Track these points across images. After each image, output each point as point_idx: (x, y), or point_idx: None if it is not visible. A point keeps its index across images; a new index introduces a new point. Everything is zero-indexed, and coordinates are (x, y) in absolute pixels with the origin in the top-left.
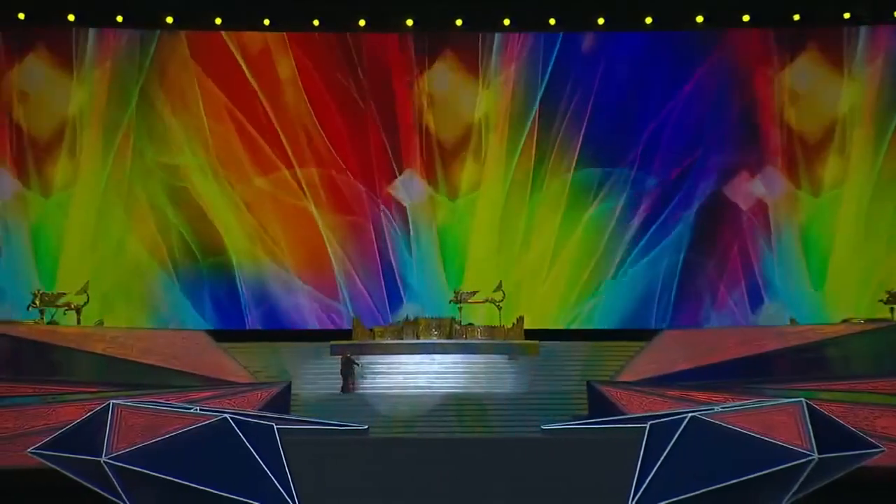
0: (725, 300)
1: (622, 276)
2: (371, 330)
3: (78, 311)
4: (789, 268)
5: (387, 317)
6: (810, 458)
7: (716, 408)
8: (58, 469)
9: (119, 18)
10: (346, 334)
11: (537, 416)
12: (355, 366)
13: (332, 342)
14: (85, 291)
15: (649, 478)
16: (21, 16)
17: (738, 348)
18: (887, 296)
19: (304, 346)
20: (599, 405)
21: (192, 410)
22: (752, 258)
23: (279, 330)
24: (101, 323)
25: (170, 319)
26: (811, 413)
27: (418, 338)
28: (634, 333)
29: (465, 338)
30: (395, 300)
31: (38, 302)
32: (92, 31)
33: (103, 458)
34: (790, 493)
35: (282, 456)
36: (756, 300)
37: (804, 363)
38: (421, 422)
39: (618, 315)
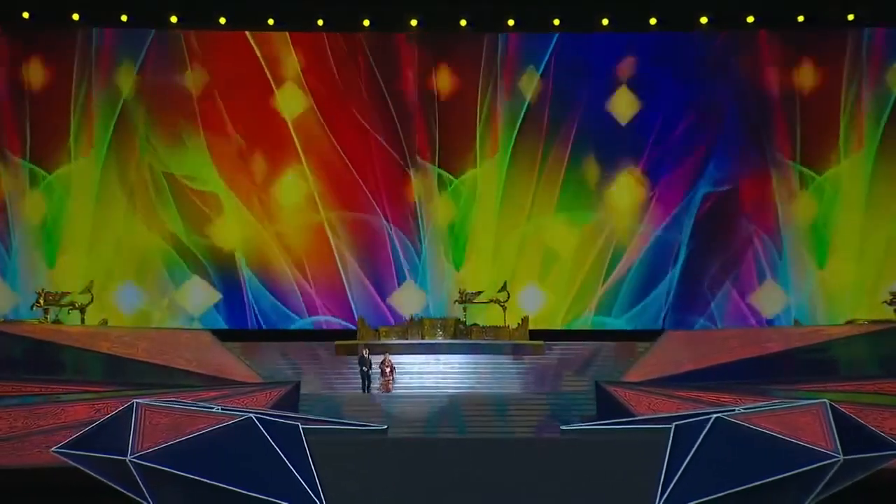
0: (729, 300)
1: (627, 276)
2: (376, 330)
3: (82, 310)
4: (793, 268)
5: (392, 317)
6: (835, 459)
7: (737, 408)
8: (80, 468)
9: (123, 18)
10: (352, 334)
11: (545, 416)
12: (366, 368)
13: (337, 342)
14: (89, 291)
15: (675, 479)
16: (25, 15)
17: (742, 349)
18: (891, 297)
19: (309, 346)
20: (608, 405)
21: (214, 410)
22: (756, 258)
23: (283, 330)
24: (105, 322)
25: (175, 318)
26: (834, 414)
27: (423, 338)
28: (639, 334)
29: (471, 338)
30: (399, 299)
31: (42, 301)
32: (96, 31)
33: (129, 458)
34: (813, 495)
35: (308, 455)
36: (760, 300)
37: (809, 364)
38: (429, 422)
39: (622, 315)
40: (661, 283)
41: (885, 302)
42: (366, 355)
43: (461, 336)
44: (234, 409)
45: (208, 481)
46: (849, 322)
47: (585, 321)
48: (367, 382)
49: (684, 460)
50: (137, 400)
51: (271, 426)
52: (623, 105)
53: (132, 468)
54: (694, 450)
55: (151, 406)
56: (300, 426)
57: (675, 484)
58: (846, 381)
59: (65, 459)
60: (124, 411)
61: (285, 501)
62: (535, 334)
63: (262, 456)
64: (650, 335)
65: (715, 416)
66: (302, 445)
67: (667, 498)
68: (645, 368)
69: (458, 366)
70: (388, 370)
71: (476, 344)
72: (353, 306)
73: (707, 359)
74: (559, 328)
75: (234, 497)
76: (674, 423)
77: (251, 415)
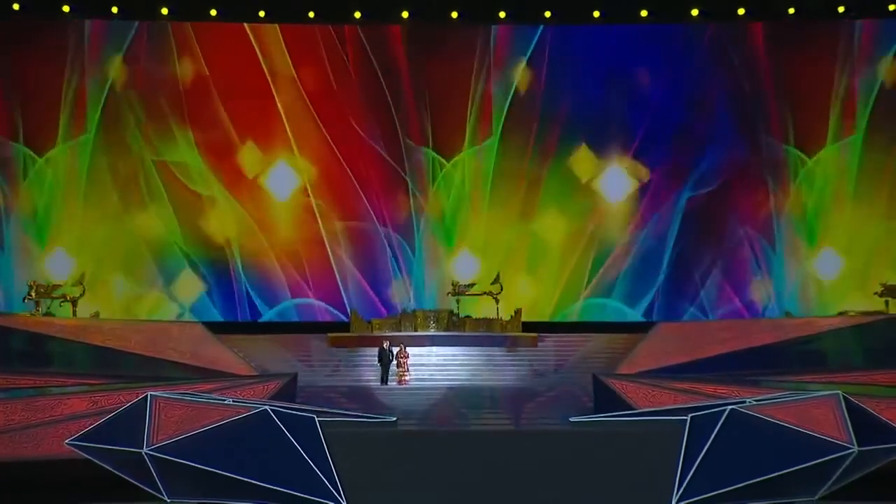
0: (721, 292)
1: (619, 267)
2: (369, 322)
3: (74, 302)
4: (784, 260)
5: (384, 309)
6: (850, 451)
7: (748, 400)
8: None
9: (114, 9)
10: (344, 326)
11: (543, 407)
12: (386, 360)
13: (330, 334)
14: (81, 283)
15: (692, 470)
16: (16, 6)
17: (735, 341)
18: (882, 288)
19: (301, 338)
20: (605, 397)
21: (226, 402)
22: (747, 250)
23: (275, 322)
24: (97, 315)
25: (167, 311)
26: (848, 406)
27: (416, 330)
28: (632, 325)
29: (464, 330)
30: (392, 292)
31: (33, 293)
32: (87, 22)
33: (145, 450)
34: (825, 486)
35: (324, 447)
36: (751, 292)
37: (802, 355)
38: (426, 414)
39: (614, 307)
40: (653, 275)
41: (876, 293)
42: (385, 348)
43: (454, 328)
44: (247, 402)
45: (225, 473)
46: (840, 314)
47: (578, 313)
48: (386, 374)
49: (700, 452)
50: (152, 392)
51: (287, 418)
52: (614, 97)
53: (147, 460)
54: (710, 441)
55: (165, 398)
56: (316, 418)
57: (692, 476)
58: (839, 372)
59: (62, 452)
60: (137, 404)
61: (303, 493)
62: (527, 326)
63: (279, 447)
64: (643, 327)
65: (730, 407)
66: (318, 437)
67: (684, 489)
68: (638, 360)
69: (451, 358)
70: (404, 361)
71: (469, 336)
72: (345, 298)
73: (700, 350)
74: (552, 320)
75: (249, 489)
76: (689, 415)
77: (266, 407)
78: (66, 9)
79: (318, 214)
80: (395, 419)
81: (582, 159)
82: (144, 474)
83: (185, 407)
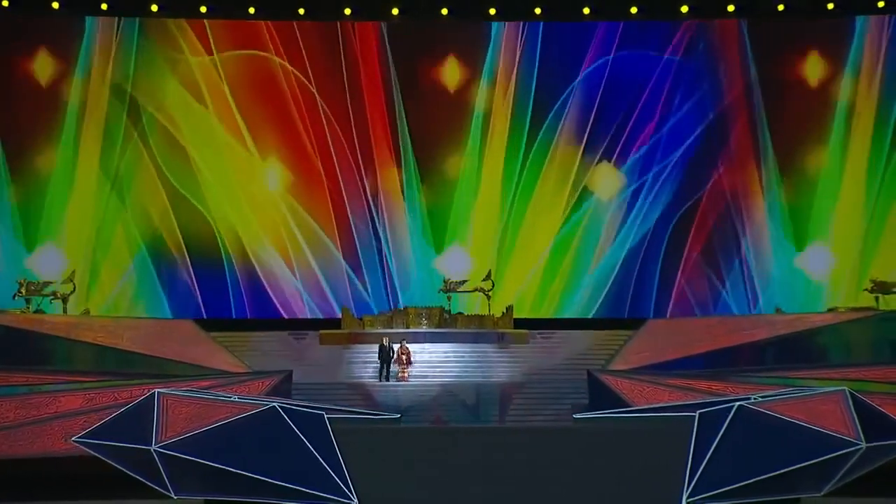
0: (711, 289)
1: (609, 266)
2: (360, 319)
3: (64, 299)
4: (774, 257)
5: (376, 305)
6: (858, 446)
7: (753, 397)
8: (100, 457)
9: (104, 6)
10: (335, 324)
11: (540, 404)
12: (385, 357)
13: (322, 331)
14: (71, 280)
15: (702, 467)
16: (5, 3)
17: (726, 337)
18: (872, 285)
19: (293, 335)
20: (600, 394)
21: (232, 399)
22: (739, 247)
23: (267, 319)
24: (87, 312)
25: (157, 308)
26: (854, 402)
27: (408, 327)
28: (622, 322)
29: (456, 327)
30: (383, 289)
31: (24, 291)
32: (78, 19)
33: (153, 447)
34: (832, 482)
35: (334, 443)
36: (742, 289)
37: (794, 352)
38: (421, 411)
39: (605, 304)
40: (644, 272)
41: (866, 289)
42: (386, 344)
43: (446, 325)
44: (254, 399)
45: (234, 470)
46: (830, 310)
47: (569, 310)
48: (386, 371)
49: (709, 449)
50: (159, 389)
51: (296, 415)
52: (606, 95)
53: (156, 457)
54: (718, 438)
55: (173, 396)
56: (325, 415)
57: (701, 472)
58: (830, 368)
59: (59, 449)
60: (145, 401)
61: (313, 489)
62: (519, 323)
63: (288, 444)
64: (633, 323)
65: (738, 404)
66: (327, 434)
67: (694, 486)
68: (630, 357)
69: (443, 354)
70: (404, 358)
71: (461, 333)
72: (336, 296)
73: (691, 347)
74: (543, 317)
75: (258, 485)
76: (697, 412)
77: (275, 404)
78: (55, 5)
79: (308, 211)
80: (399, 416)
81: (575, 157)
82: (152, 471)
83: (192, 404)
